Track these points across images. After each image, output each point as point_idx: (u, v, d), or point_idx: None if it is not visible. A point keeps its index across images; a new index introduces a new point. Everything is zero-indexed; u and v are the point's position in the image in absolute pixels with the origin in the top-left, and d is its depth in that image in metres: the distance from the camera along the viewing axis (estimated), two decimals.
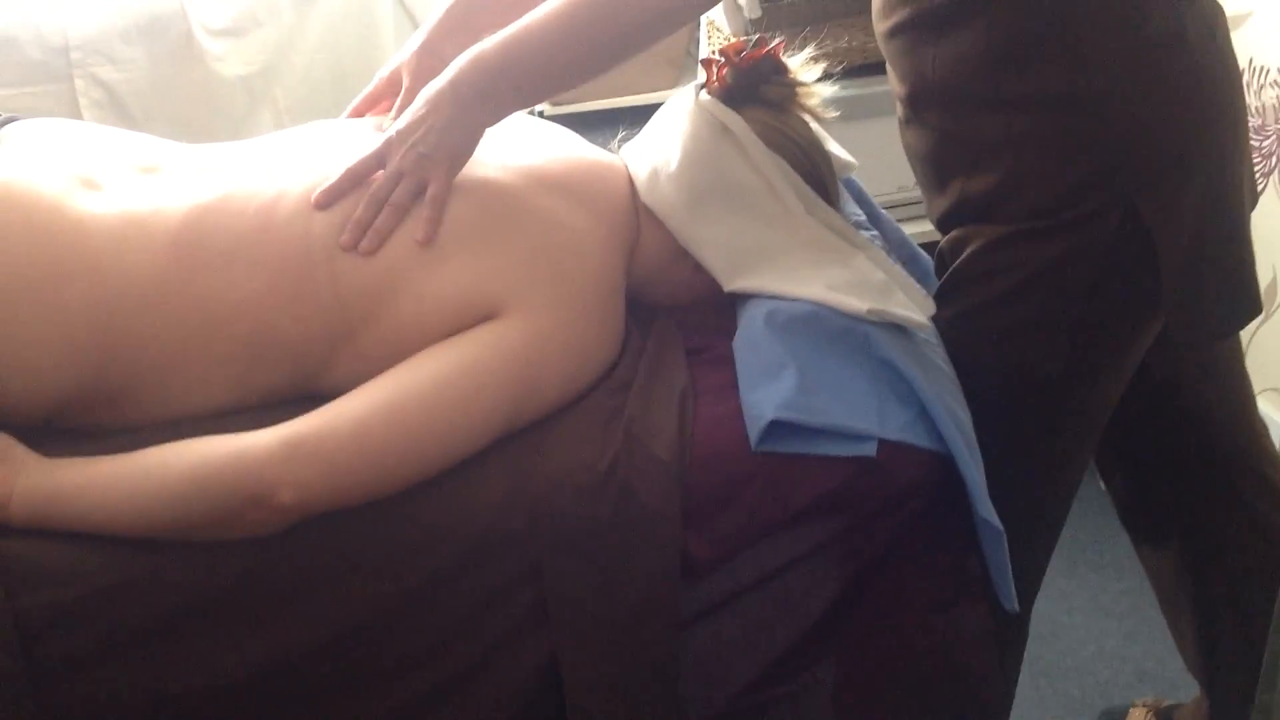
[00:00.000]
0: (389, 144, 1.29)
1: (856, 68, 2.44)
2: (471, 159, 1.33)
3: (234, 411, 1.25)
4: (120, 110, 2.65)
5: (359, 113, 1.53)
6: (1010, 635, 1.54)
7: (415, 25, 2.91)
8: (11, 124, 1.36)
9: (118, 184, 1.28)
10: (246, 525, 1.11)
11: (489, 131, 1.33)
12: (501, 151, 1.37)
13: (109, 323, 1.20)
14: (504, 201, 1.30)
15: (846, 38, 2.59)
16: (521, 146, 1.39)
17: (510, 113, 1.31)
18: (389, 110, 1.48)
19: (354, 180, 1.28)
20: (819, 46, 2.49)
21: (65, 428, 1.23)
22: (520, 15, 1.28)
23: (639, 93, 3.00)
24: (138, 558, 1.10)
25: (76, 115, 2.59)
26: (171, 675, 1.11)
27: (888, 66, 1.45)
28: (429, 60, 1.42)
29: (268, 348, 1.25)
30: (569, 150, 1.43)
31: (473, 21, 1.45)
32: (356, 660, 1.14)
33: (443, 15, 1.49)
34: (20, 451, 1.15)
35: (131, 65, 2.64)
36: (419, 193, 1.27)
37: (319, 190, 1.27)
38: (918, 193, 2.54)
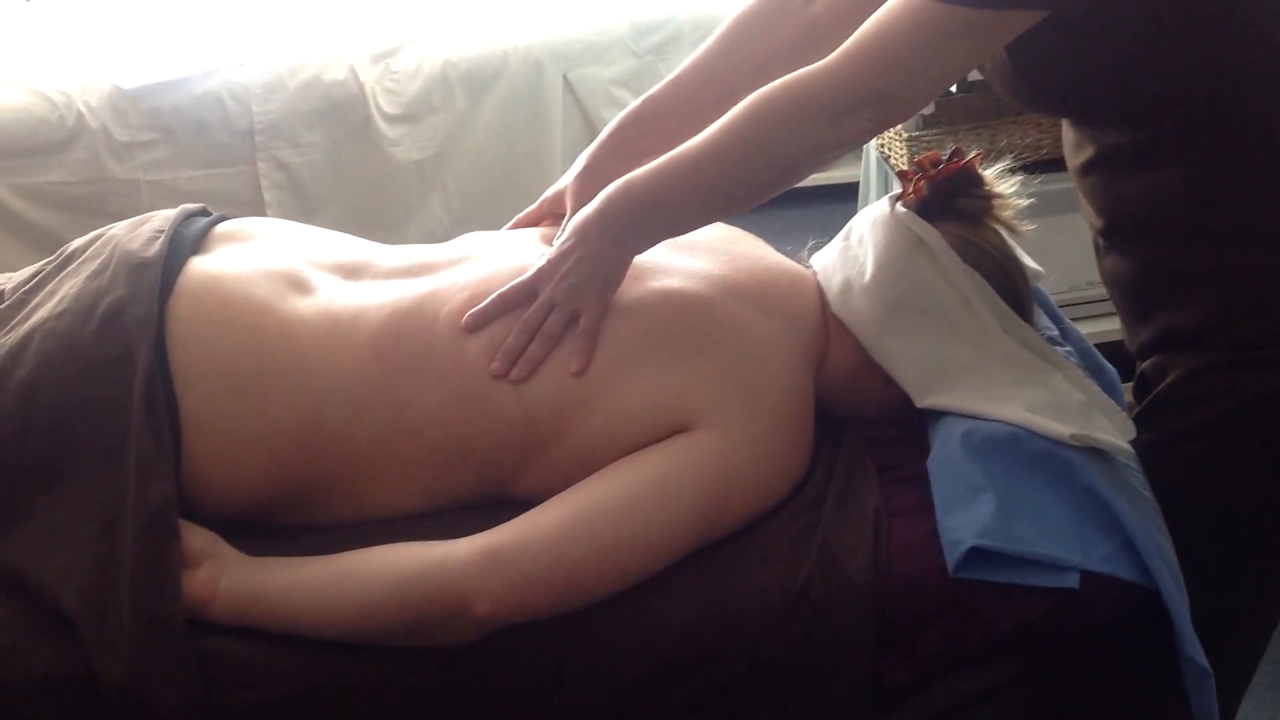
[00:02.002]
0: (540, 273, 1.29)
1: (1028, 164, 2.41)
2: (661, 269, 1.34)
3: (423, 515, 1.26)
4: (299, 192, 2.74)
5: (519, 227, 1.53)
6: None
7: (583, 113, 2.96)
8: (224, 221, 1.40)
9: (324, 286, 1.32)
10: (445, 634, 1.12)
11: (676, 240, 1.34)
12: (690, 261, 1.37)
13: (314, 424, 1.22)
14: (694, 313, 1.30)
15: (1019, 134, 2.57)
16: (710, 255, 1.39)
17: (658, 242, 1.32)
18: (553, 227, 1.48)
19: (505, 307, 1.28)
20: (992, 143, 2.49)
21: (258, 525, 1.26)
22: (684, 140, 1.27)
23: None
24: (338, 661, 1.12)
25: (258, 197, 2.70)
26: None
27: (1080, 199, 1.42)
28: (593, 184, 1.40)
29: (457, 456, 1.26)
30: (759, 259, 1.42)
31: (636, 146, 1.45)
32: None
33: (606, 138, 1.49)
34: (227, 550, 1.18)
35: (312, 149, 2.74)
36: (571, 322, 1.27)
37: (469, 313, 1.28)
38: (1091, 291, 2.50)
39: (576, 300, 1.27)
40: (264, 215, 2.59)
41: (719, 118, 1.25)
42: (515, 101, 2.88)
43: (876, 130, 1.27)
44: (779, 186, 1.28)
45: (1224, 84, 1.23)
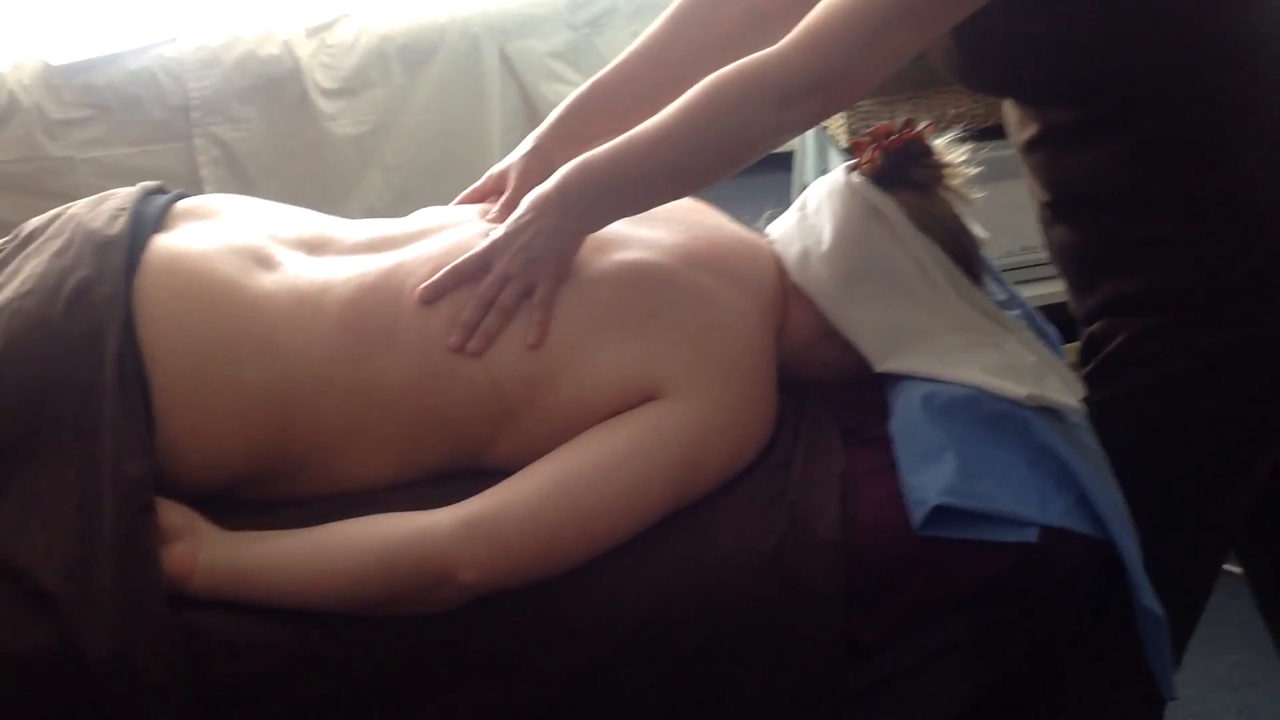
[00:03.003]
0: (495, 246, 1.30)
1: (972, 132, 2.45)
2: (621, 241, 1.36)
3: (399, 486, 1.28)
4: (236, 168, 2.71)
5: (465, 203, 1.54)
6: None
7: (520, 86, 2.95)
8: (185, 199, 1.40)
9: (288, 261, 1.32)
10: (427, 603, 1.13)
11: None
12: (649, 231, 1.39)
13: (285, 399, 1.23)
14: (656, 283, 1.32)
15: (954, 103, 2.61)
16: (668, 225, 1.41)
17: (614, 220, 1.34)
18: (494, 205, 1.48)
19: (459, 279, 1.29)
20: (928, 113, 2.53)
21: (235, 499, 1.26)
22: (632, 123, 1.29)
23: None
24: (321, 631, 1.13)
25: (195, 173, 2.67)
26: None
27: (1026, 174, 1.46)
28: (538, 164, 1.44)
29: (430, 427, 1.27)
30: (716, 228, 1.45)
31: (585, 130, 1.47)
32: None
33: (555, 121, 1.51)
34: (203, 525, 1.18)
35: (248, 124, 2.71)
36: (525, 295, 1.29)
37: (423, 285, 1.29)
38: (1030, 256, 2.55)
39: (531, 273, 1.29)
40: (202, 192, 2.57)
41: (667, 101, 1.28)
42: (452, 75, 2.87)
43: (827, 113, 1.30)
44: (734, 167, 1.31)
45: (1166, 61, 1.27)
